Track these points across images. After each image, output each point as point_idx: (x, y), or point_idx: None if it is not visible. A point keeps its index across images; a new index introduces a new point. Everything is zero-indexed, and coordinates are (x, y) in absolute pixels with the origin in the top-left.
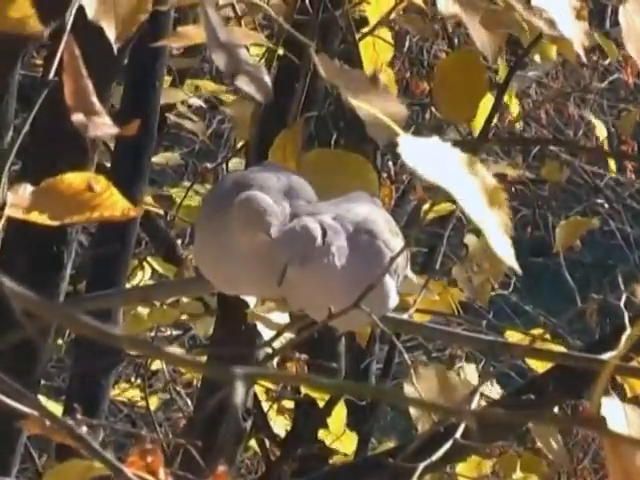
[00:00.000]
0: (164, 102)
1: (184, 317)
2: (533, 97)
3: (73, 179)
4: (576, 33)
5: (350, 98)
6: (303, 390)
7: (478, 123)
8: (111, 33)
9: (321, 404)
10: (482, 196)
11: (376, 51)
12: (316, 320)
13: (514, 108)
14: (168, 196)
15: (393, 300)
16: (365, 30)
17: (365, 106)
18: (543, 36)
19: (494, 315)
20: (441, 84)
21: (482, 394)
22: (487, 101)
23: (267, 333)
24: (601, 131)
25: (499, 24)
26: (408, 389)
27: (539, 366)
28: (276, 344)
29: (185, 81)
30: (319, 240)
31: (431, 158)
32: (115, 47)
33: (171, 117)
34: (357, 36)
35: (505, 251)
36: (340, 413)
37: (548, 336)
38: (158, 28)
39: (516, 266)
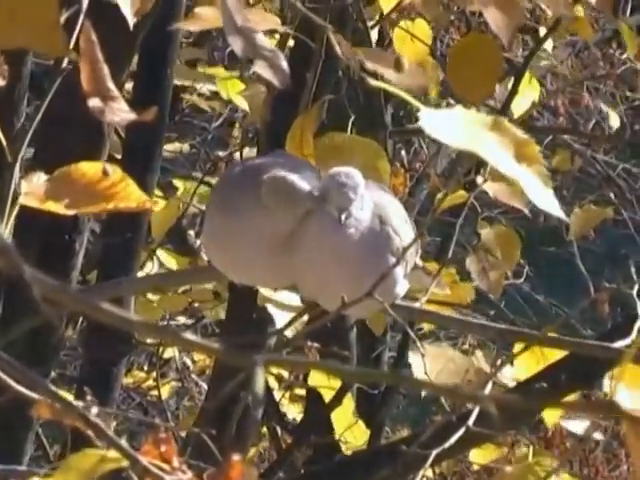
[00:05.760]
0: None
1: (195, 305)
2: (546, 86)
3: (87, 168)
4: None
5: (369, 78)
6: (310, 381)
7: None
8: (127, 10)
9: (328, 396)
10: (514, 152)
11: (414, 45)
12: (327, 309)
13: (535, 92)
14: (175, 186)
15: (401, 287)
16: (386, 19)
17: (383, 85)
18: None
19: (505, 304)
20: (456, 64)
21: (494, 382)
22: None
23: (279, 316)
24: (615, 120)
25: (515, 7)
26: (414, 361)
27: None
28: (288, 332)
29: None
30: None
31: (454, 126)
32: (131, 23)
33: (186, 97)
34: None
35: (547, 203)
36: (348, 405)
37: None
38: (171, 13)
39: (562, 215)
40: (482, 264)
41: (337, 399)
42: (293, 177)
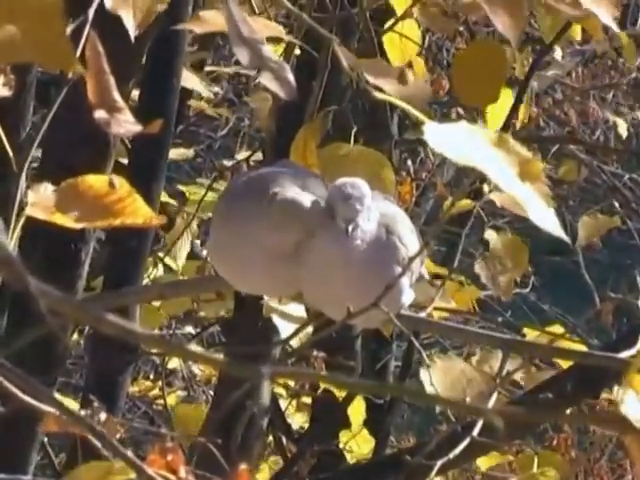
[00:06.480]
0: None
1: (202, 314)
2: (554, 96)
3: (93, 181)
4: (603, 5)
5: (373, 91)
6: (321, 387)
7: (497, 121)
8: (129, 22)
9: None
10: (517, 170)
11: (402, 46)
12: (333, 319)
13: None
14: (182, 192)
15: (407, 297)
16: (387, 25)
17: (386, 98)
18: (568, 18)
19: (512, 314)
20: (461, 69)
21: (502, 391)
22: (507, 98)
23: (284, 326)
24: (623, 129)
25: (520, 7)
26: (425, 377)
27: (564, 362)
28: (293, 342)
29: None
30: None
31: (458, 141)
32: (132, 35)
33: (193, 105)
34: (379, 31)
35: (548, 222)
36: (359, 409)
37: (566, 334)
38: (177, 22)
39: (563, 235)
40: (491, 270)
41: (345, 403)
42: (302, 197)
